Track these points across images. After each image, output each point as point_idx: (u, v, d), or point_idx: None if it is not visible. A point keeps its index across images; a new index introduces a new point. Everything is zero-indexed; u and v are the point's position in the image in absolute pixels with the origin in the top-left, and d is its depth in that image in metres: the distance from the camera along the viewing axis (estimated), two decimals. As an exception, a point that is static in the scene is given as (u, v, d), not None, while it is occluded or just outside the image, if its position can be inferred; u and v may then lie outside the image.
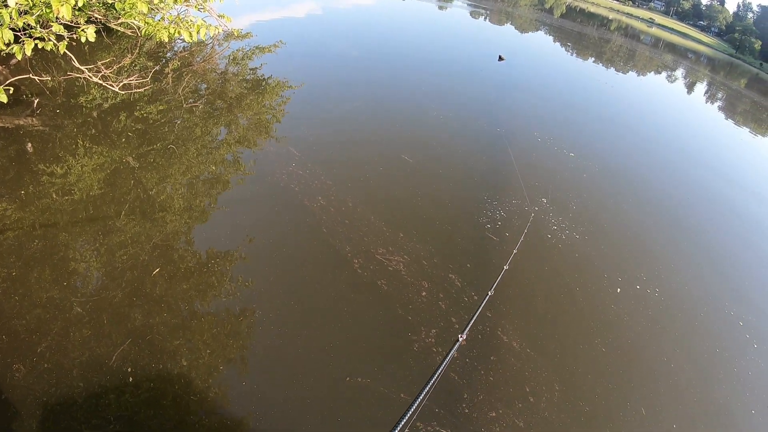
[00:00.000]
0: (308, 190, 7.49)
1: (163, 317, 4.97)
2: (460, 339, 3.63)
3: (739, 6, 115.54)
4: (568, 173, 10.51)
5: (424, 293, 6.04)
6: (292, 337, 5.10)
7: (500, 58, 20.31)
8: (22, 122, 8.08)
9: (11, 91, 6.57)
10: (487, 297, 4.96)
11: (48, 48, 6.56)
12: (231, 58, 12.12)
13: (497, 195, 8.69)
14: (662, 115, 21.62)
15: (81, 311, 4.82)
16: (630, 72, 31.46)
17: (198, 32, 7.34)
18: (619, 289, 7.18)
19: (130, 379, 4.29)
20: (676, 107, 24.73)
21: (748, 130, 24.88)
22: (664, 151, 15.34)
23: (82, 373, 4.25)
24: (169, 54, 11.46)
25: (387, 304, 5.79)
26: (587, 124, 15.33)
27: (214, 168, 7.62)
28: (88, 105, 8.51)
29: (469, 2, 43.74)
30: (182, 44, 12.16)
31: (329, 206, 7.19)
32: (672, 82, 34.13)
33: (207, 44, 12.45)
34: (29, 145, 7.59)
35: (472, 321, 4.88)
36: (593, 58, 31.99)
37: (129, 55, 10.50)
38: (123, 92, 8.48)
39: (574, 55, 31.17)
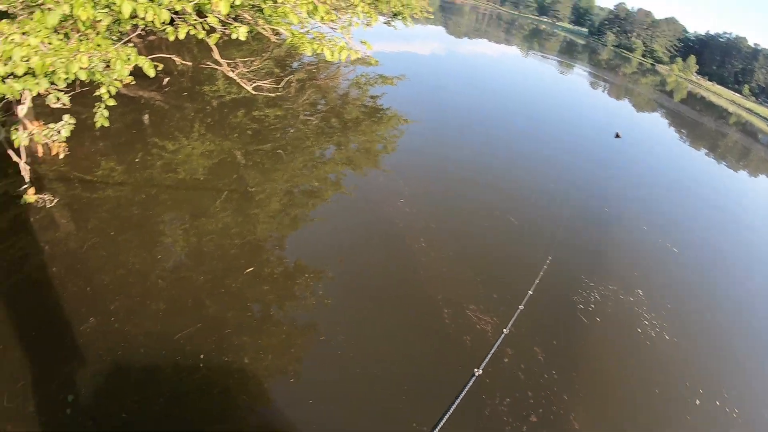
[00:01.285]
0: (412, 228, 7.00)
1: (237, 312, 4.73)
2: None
3: None
4: (669, 269, 9.58)
5: (506, 359, 5.48)
6: (359, 370, 4.62)
7: (617, 135, 19.44)
8: (146, 95, 8.20)
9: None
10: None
11: (199, 36, 6.57)
12: (354, 81, 12.09)
13: (594, 276, 7.93)
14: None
15: (162, 284, 4.73)
16: (741, 171, 29.48)
17: (339, 53, 7.18)
18: (698, 401, 6.29)
19: (190, 360, 4.09)
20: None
21: None
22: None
23: (146, 342, 4.14)
24: (295, 64, 11.56)
25: (468, 361, 5.21)
26: (695, 220, 14.14)
27: (316, 183, 7.31)
28: (211, 94, 8.56)
29: (590, 70, 43.15)
30: (309, 58, 12.27)
31: (430, 250, 6.66)
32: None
33: (334, 63, 12.47)
34: (147, 116, 7.66)
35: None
36: (706, 150, 30.27)
37: (259, 58, 10.62)
38: (255, 93, 8.42)
39: (687, 143, 29.62)
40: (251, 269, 5.21)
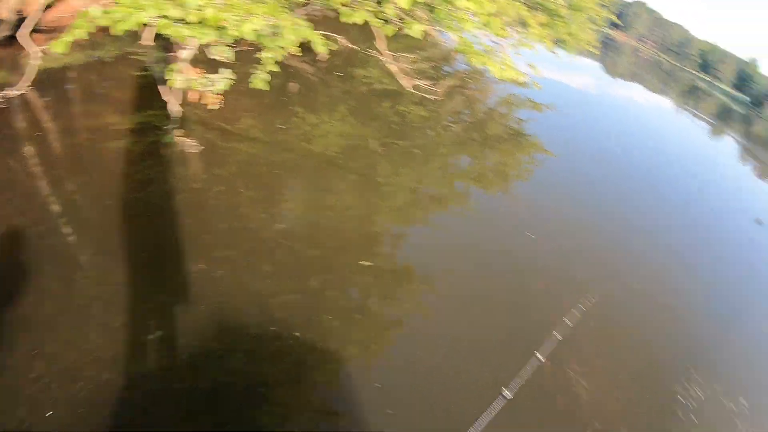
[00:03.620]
0: (532, 264, 6.59)
1: (337, 294, 4.65)
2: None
3: None
4: None
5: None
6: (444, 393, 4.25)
7: (758, 222, 17.50)
8: (299, 65, 8.39)
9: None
10: None
11: (373, 24, 6.58)
12: (504, 99, 11.74)
13: (701, 372, 7.05)
14: None
15: (273, 246, 4.72)
16: None
17: (506, 72, 6.91)
18: None
19: (277, 326, 4.02)
20: None
21: None
22: None
23: (243, 297, 4.13)
24: (448, 68, 11.40)
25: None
26: None
27: (445, 190, 7.12)
28: (362, 80, 8.61)
29: (746, 141, 39.60)
30: (462, 65, 12.08)
31: (550, 297, 6.19)
32: None
33: (486, 75, 12.20)
34: (295, 85, 7.82)
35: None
36: None
37: (415, 55, 10.57)
38: (412, 91, 8.34)
39: None
40: (369, 263, 5.08)
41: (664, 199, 13.32)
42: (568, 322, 5.00)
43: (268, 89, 5.40)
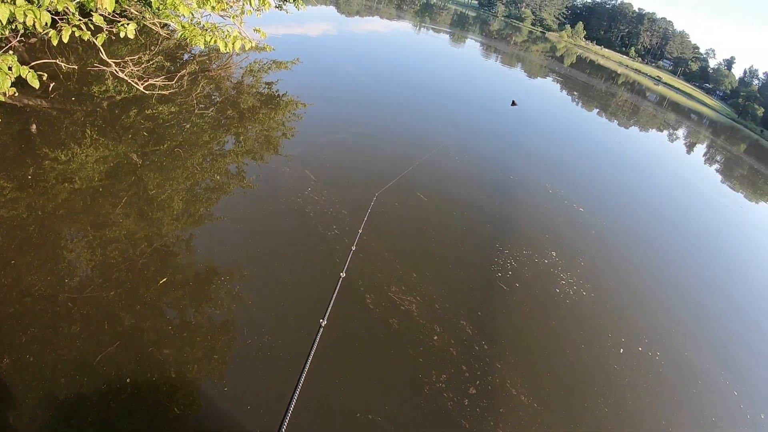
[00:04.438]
0: (323, 217, 7.35)
1: (154, 323, 4.76)
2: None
3: (745, 72, 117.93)
4: (578, 228, 10.42)
5: (435, 337, 5.89)
6: (292, 366, 4.86)
7: (513, 103, 20.36)
8: (31, 102, 7.93)
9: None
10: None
11: (85, 38, 6.39)
12: (248, 69, 12.07)
13: (509, 243, 8.55)
14: (664, 174, 21.73)
15: (71, 306, 4.64)
16: (632, 127, 31.77)
17: (233, 44, 7.21)
18: (622, 350, 7.03)
19: (114, 383, 4.11)
20: (676, 167, 24.89)
21: (743, 194, 25.08)
22: (667, 212, 15.35)
23: (66, 370, 4.09)
24: (186, 56, 11.38)
25: (398, 343, 5.64)
26: (596, 179, 15.32)
27: (218, 177, 7.48)
28: (101, 95, 8.39)
29: (482, 40, 44.25)
30: (199, 48, 12.07)
31: (343, 237, 7.03)
32: (673, 141, 34.40)
33: (225, 52, 12.37)
34: (34, 126, 7.44)
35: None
36: (598, 110, 32.30)
37: (148, 52, 10.40)
38: (148, 92, 8.30)
39: (581, 105, 31.47)
40: (164, 279, 5.30)
41: (428, 105, 14.94)
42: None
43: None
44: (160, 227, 6.08)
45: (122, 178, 6.74)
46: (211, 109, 9.31)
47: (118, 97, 8.60)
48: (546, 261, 8.43)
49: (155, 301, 5.01)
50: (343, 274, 4.28)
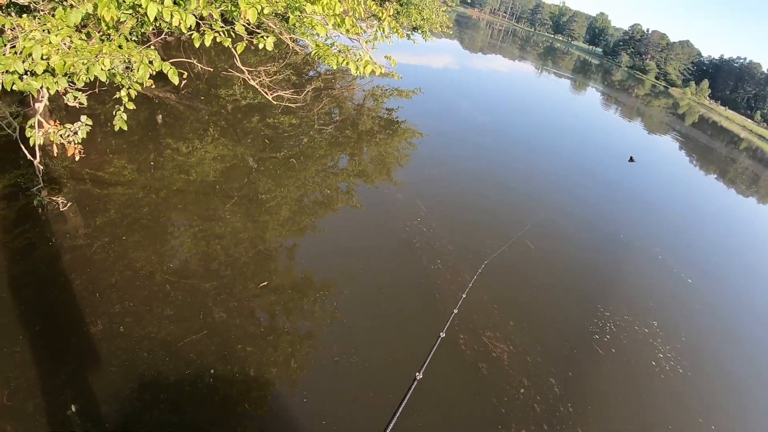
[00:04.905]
0: (429, 249, 6.91)
1: (244, 321, 4.63)
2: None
3: None
4: (683, 300, 9.40)
5: (522, 390, 5.34)
6: (369, 390, 4.47)
7: (631, 159, 19.20)
8: (161, 95, 8.18)
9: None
10: None
11: (225, 44, 6.54)
12: (370, 92, 12.04)
13: (611, 305, 7.76)
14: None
15: (169, 288, 4.63)
16: (750, 197, 29.23)
17: (364, 68, 7.10)
18: None
19: (193, 368, 4.01)
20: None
21: None
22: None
23: (151, 347, 4.05)
24: (311, 72, 11.53)
25: (484, 389, 5.13)
26: (709, 249, 13.97)
27: (328, 191, 7.25)
28: (227, 98, 8.54)
29: (604, 90, 42.96)
30: (325, 67, 12.24)
31: (446, 272, 6.55)
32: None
33: (350, 74, 12.45)
34: (160, 117, 7.63)
35: None
36: (715, 175, 30.07)
37: (276, 64, 10.61)
38: (275, 102, 8.35)
39: (698, 166, 29.44)
40: (265, 283, 5.11)
41: (542, 153, 14.22)
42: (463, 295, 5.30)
43: (126, 129, 5.27)
44: (265, 230, 5.94)
45: (236, 179, 6.71)
46: (330, 126, 9.22)
47: (243, 103, 8.73)
48: (646, 330, 7.57)
49: (250, 301, 4.89)
50: (442, 334, 3.78)
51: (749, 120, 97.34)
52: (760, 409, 7.58)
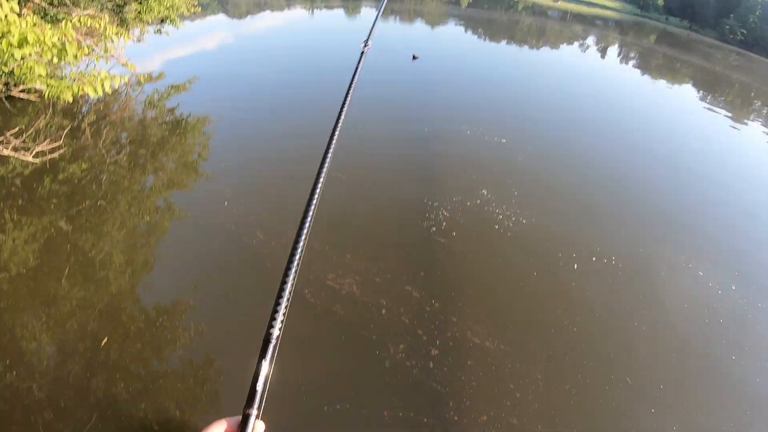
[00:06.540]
0: (245, 226, 7.29)
1: (124, 383, 4.69)
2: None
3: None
4: (504, 160, 10.51)
5: (383, 310, 5.82)
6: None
7: (414, 57, 20.03)
8: None
9: None
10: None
11: None
12: (147, 102, 11.76)
13: (437, 195, 8.49)
14: (581, 83, 22.28)
15: (40, 394, 4.52)
16: (543, 47, 32.29)
17: (102, 85, 6.96)
18: (576, 265, 7.14)
19: None
20: (592, 73, 25.52)
21: (664, 82, 26.00)
22: (590, 117, 15.83)
23: None
24: (84, 108, 10.99)
25: (347, 329, 5.55)
26: (511, 108, 15.51)
27: (148, 218, 7.45)
28: (9, 175, 8.06)
29: (375, 4, 43.81)
30: (93, 97, 11.65)
31: (269, 240, 6.99)
32: (585, 50, 35.17)
33: (121, 92, 11.97)
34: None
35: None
36: (506, 40, 32.59)
37: (42, 117, 9.99)
38: (37, 160, 8.01)
39: (487, 40, 31.63)
40: (105, 340, 5.14)
41: (333, 88, 14.56)
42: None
43: None
44: (108, 286, 5.96)
45: (57, 250, 6.55)
46: (122, 153, 9.14)
47: (27, 171, 8.29)
48: (478, 201, 8.40)
49: (118, 362, 4.91)
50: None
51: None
52: (607, 217, 8.82)
